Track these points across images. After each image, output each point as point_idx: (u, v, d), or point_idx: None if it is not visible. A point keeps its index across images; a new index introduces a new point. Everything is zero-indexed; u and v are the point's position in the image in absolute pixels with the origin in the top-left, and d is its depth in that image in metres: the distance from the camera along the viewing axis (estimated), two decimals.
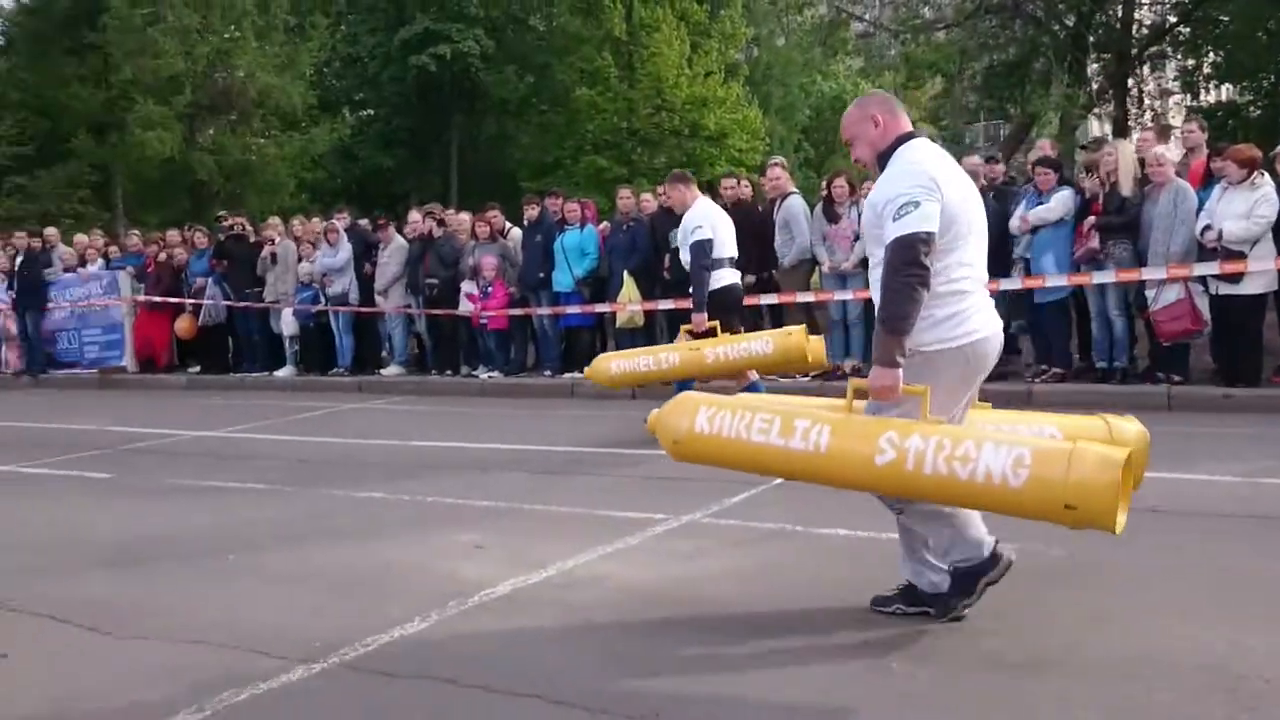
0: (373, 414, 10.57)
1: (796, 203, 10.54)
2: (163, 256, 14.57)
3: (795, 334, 7.55)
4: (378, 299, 12.78)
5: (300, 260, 13.25)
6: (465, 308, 12.08)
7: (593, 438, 8.27)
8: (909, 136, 3.74)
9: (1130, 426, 3.91)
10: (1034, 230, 9.29)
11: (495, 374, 12.01)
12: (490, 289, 11.91)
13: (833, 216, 10.28)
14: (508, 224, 12.51)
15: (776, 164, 11.01)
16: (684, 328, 8.01)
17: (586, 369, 8.87)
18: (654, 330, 11.27)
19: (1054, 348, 9.55)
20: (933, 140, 3.88)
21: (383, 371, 12.89)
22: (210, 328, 13.97)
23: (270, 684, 3.48)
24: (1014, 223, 9.39)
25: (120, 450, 8.76)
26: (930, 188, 3.51)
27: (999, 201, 9.49)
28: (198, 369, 14.20)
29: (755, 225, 10.44)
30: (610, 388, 8.75)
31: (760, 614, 4.01)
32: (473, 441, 8.41)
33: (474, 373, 12.21)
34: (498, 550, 5.07)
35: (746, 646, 3.67)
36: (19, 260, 15.11)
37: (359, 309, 12.95)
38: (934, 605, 3.78)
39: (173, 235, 15.11)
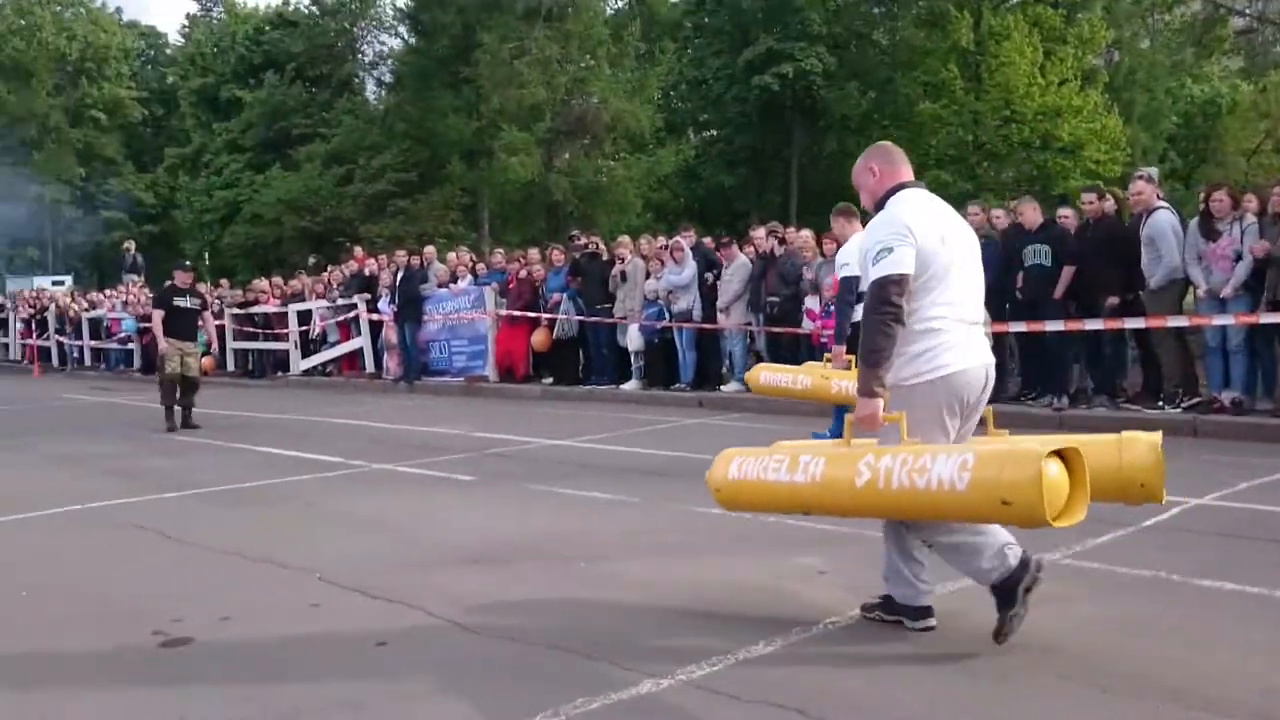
0: (713, 429, 10.68)
1: (1164, 218, 9.66)
2: (523, 273, 15.46)
3: None
4: (719, 316, 12.95)
5: (647, 277, 13.66)
6: (807, 326, 12.00)
7: None
8: (901, 186, 4.06)
9: (1145, 439, 4.00)
10: None
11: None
12: (832, 307, 11.76)
13: (1211, 234, 9.36)
14: None
15: (1141, 177, 10.17)
16: (826, 356, 8.19)
17: (747, 374, 9.47)
18: (1003, 352, 10.70)
19: None
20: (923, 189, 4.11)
21: (723, 388, 13.03)
22: (563, 341, 14.67)
23: (620, 695, 3.53)
24: None
25: (483, 455, 9.31)
26: (904, 234, 3.83)
27: None
28: (551, 380, 14.93)
29: (1119, 243, 9.70)
30: (759, 394, 9.24)
31: (1135, 674, 3.64)
32: None
33: None
34: (840, 576, 4.93)
35: (1117, 709, 3.34)
36: (400, 276, 16.53)
37: (701, 325, 13.18)
38: (906, 615, 4.09)
39: (533, 253, 16.01)
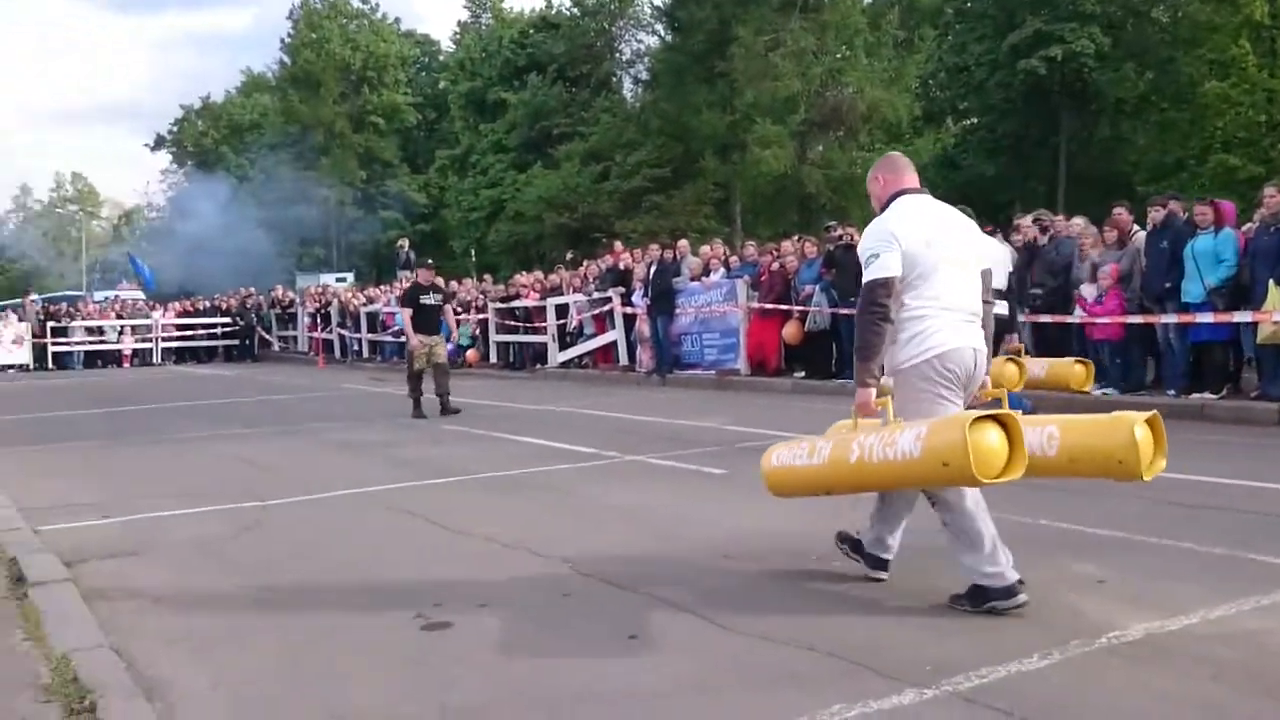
0: None
1: None
2: (775, 266, 15.30)
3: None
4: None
5: None
6: (1078, 315, 11.27)
7: (1235, 469, 7.24)
8: (902, 193, 4.50)
9: (1128, 418, 4.19)
10: None
11: (1110, 391, 11.05)
12: (1103, 297, 11.00)
13: None
14: (1135, 227, 11.49)
15: None
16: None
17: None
18: None
19: None
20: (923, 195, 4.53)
21: None
22: (816, 334, 14.41)
23: (880, 704, 3.33)
24: None
25: (734, 448, 9.22)
26: (888, 240, 4.29)
27: None
28: (803, 374, 14.70)
29: None
30: None
31: None
32: None
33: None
34: (1121, 587, 4.52)
35: None
36: (653, 269, 16.71)
37: None
38: (866, 561, 4.81)
39: (785, 245, 15.82)
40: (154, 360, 29.56)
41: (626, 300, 17.56)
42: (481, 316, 21.59)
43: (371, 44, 54.14)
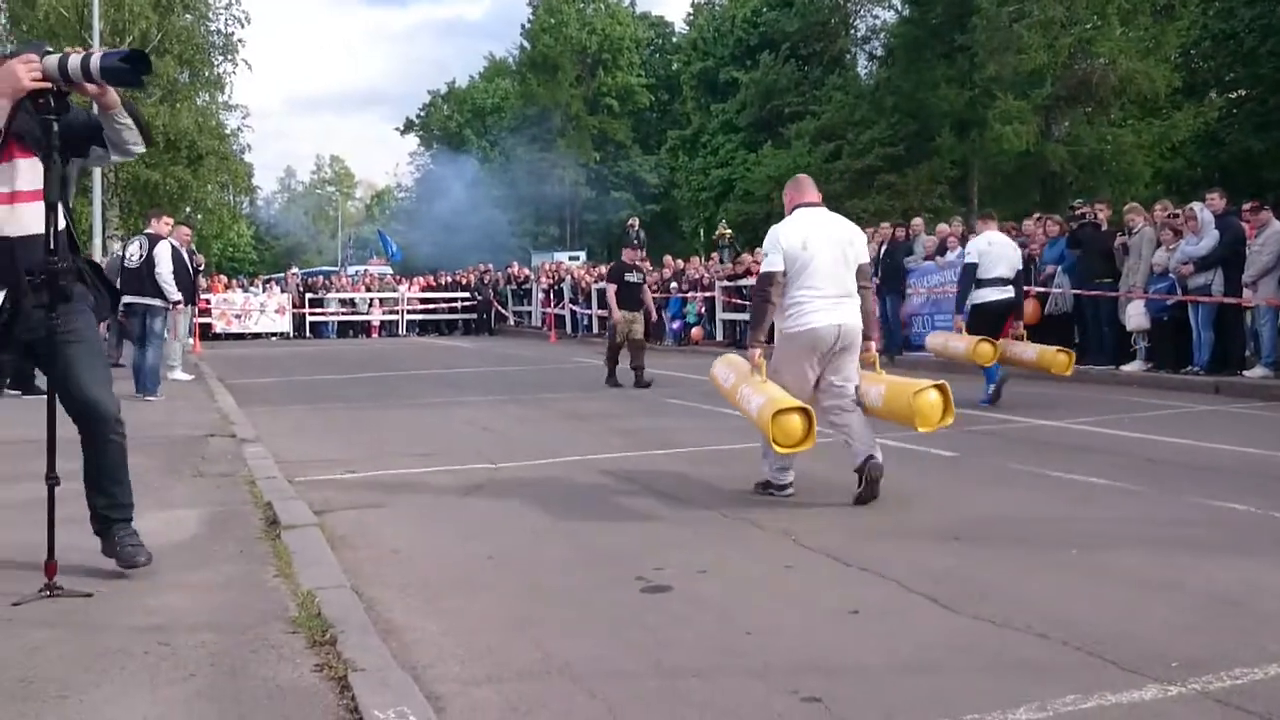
0: (1229, 418, 9.51)
1: None
2: None
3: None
4: (1245, 291, 11.45)
5: (1158, 248, 12.40)
6: None
7: None
8: (800, 206, 6.33)
9: (925, 384, 6.14)
10: None
11: None
12: None
13: None
14: None
15: None
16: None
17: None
18: None
19: None
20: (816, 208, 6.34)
21: (1246, 373, 11.54)
22: (1057, 316, 13.73)
23: (1118, 697, 3.12)
24: None
25: (965, 431, 8.89)
26: (774, 244, 6.15)
27: None
28: None
29: None
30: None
31: None
32: None
33: None
34: None
35: None
36: (883, 248, 16.31)
37: (1223, 300, 11.74)
38: (775, 490, 6.31)
39: (1026, 225, 15.15)
40: (399, 331, 31.22)
41: None
42: (709, 295, 21.69)
43: (607, 27, 55.17)
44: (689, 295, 22.18)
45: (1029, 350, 10.78)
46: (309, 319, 30.43)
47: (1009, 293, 10.53)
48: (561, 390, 13.35)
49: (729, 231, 26.95)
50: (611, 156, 54.95)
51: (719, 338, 21.23)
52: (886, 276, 15.96)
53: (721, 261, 23.59)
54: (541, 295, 29.90)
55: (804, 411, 5.72)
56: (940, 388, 6.03)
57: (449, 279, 33.56)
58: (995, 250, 10.51)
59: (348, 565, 4.63)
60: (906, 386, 6.14)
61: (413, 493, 6.62)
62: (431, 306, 32.27)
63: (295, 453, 8.10)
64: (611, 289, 13.76)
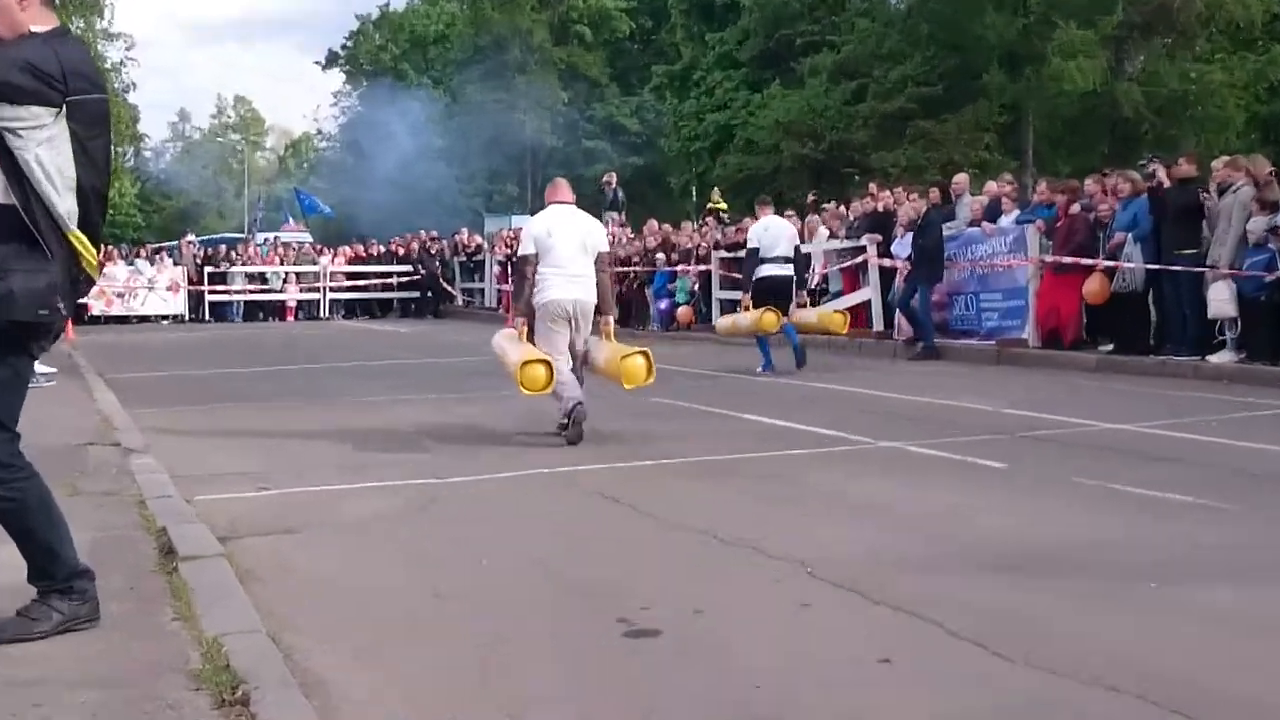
0: None
1: None
2: (1076, 208, 14.73)
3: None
4: None
5: (1250, 215, 12.48)
6: None
7: None
8: (551, 203, 9.66)
9: (633, 349, 9.56)
10: None
11: None
12: None
13: None
14: None
15: None
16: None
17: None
18: None
19: None
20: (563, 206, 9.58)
21: None
22: (1127, 296, 13.82)
23: None
24: None
25: (1016, 437, 8.97)
26: (528, 233, 9.52)
27: None
28: (1110, 347, 14.15)
29: None
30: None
31: None
32: None
33: None
34: None
35: None
36: (920, 220, 16.13)
37: None
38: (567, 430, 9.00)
39: (1090, 184, 15.23)
40: (321, 314, 31.16)
41: (884, 251, 17.29)
42: (704, 268, 21.56)
43: None
44: (679, 269, 22.10)
45: (809, 314, 15.16)
46: (209, 298, 30.30)
47: (788, 269, 14.36)
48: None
49: (722, 205, 26.74)
50: (583, 97, 54.92)
51: (715, 319, 21.15)
52: (923, 247, 15.83)
53: (722, 224, 23.46)
54: (497, 269, 29.82)
55: (546, 363, 8.82)
56: (644, 354, 9.35)
57: (382, 249, 33.46)
58: (773, 233, 14.37)
59: (261, 604, 4.63)
60: (619, 350, 9.43)
61: (340, 514, 6.63)
62: (361, 283, 32.22)
63: (195, 465, 8.08)
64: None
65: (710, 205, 27.68)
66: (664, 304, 22.14)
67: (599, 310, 9.48)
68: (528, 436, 9.26)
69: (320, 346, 20.70)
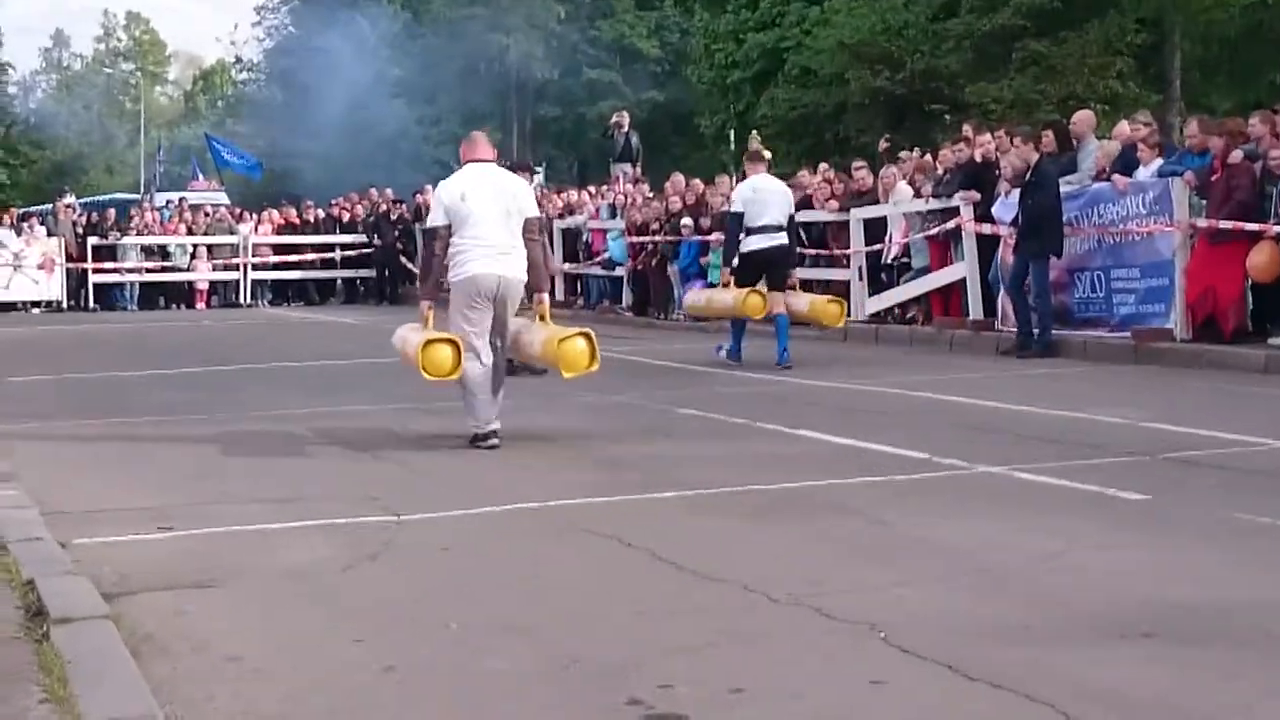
0: None
1: None
2: (1237, 156, 14.67)
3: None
4: None
5: None
6: None
7: None
8: (469, 162, 10.27)
9: (572, 331, 10.20)
10: None
11: None
12: None
13: None
14: None
15: None
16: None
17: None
18: None
19: None
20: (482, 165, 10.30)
21: None
22: None
23: None
24: None
25: (1160, 459, 8.95)
26: (438, 200, 10.23)
27: None
28: None
29: None
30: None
31: None
32: None
33: None
34: None
35: None
36: (1029, 175, 16.15)
37: None
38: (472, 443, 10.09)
39: (1256, 124, 15.18)
40: (241, 299, 31.18)
41: (983, 214, 17.25)
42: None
43: None
44: (713, 240, 22.03)
45: (801, 300, 15.86)
46: (93, 279, 30.40)
47: (780, 239, 15.11)
48: (505, 393, 13.33)
49: (766, 154, 26.59)
50: (584, 14, 54.94)
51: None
52: (1035, 211, 15.75)
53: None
54: None
55: (452, 342, 9.69)
56: (585, 334, 10.01)
57: (322, 214, 33.42)
58: (762, 196, 15.19)
59: (160, 683, 4.63)
60: (556, 333, 10.01)
61: (267, 562, 6.64)
62: (294, 259, 32.19)
63: (75, 498, 8.11)
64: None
65: (753, 147, 27.57)
66: (694, 285, 21.95)
67: (529, 287, 10.14)
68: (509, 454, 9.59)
69: (240, 342, 20.78)
